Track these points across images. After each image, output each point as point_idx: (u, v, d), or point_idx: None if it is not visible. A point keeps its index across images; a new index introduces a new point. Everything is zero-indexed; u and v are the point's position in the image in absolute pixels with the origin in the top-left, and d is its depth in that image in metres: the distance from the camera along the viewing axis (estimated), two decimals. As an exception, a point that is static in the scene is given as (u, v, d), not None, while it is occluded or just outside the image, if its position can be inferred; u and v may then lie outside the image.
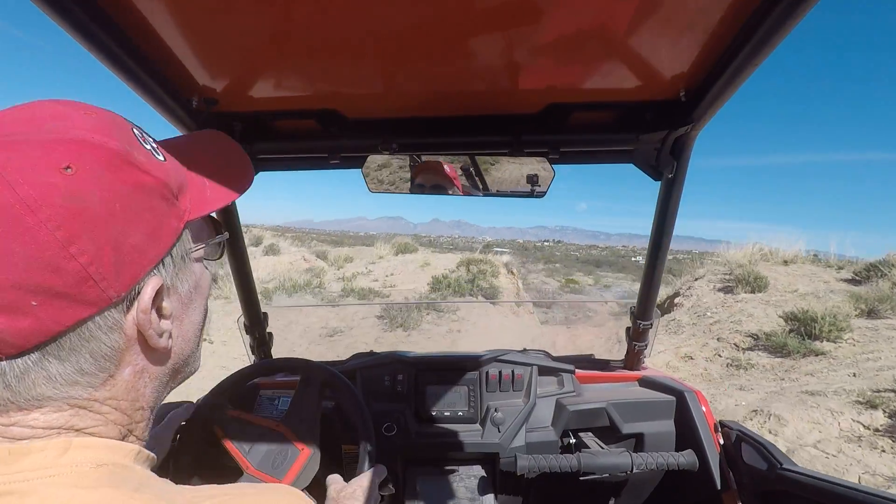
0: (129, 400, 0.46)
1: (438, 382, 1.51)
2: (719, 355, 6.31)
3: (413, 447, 1.42)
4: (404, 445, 1.41)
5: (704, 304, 8.23)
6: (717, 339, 6.72)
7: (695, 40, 0.83)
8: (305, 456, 1.12)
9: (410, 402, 1.49)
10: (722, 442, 1.38)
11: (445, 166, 1.20)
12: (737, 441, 1.31)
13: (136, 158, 0.44)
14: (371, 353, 1.65)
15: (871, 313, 6.33)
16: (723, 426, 1.39)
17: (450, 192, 1.22)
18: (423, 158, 1.20)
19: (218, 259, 0.59)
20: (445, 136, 1.12)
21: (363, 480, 1.04)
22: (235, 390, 1.31)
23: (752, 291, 8.25)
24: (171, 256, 0.47)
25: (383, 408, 1.48)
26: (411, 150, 1.17)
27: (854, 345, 5.65)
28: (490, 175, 1.21)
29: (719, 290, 8.89)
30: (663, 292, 10.20)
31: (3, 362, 0.39)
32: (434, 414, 1.48)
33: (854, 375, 4.86)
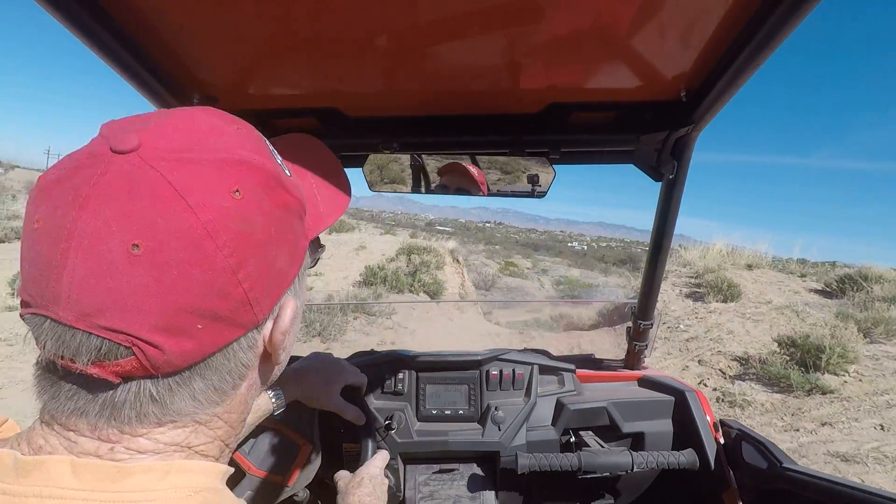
0: (237, 413, 0.47)
1: (439, 381, 1.51)
2: (704, 384, 5.30)
3: (413, 446, 1.42)
4: (404, 444, 1.41)
5: (674, 313, 7.29)
6: (699, 362, 5.72)
7: (696, 41, 0.83)
8: (306, 454, 1.14)
9: (411, 401, 1.49)
10: (722, 441, 1.37)
11: (470, 168, 1.18)
12: (737, 440, 1.31)
13: (284, 179, 0.45)
14: (371, 352, 1.62)
15: (864, 337, 5.54)
16: (723, 425, 1.39)
17: (450, 193, 1.21)
18: (425, 158, 1.20)
19: (311, 268, 0.58)
20: (446, 135, 1.12)
21: (369, 468, 1.06)
22: None
23: (725, 301, 7.41)
24: (298, 276, 0.48)
25: (383, 406, 1.47)
26: (412, 150, 1.16)
27: (861, 379, 4.79)
28: (491, 175, 1.20)
29: (687, 296, 8.01)
30: (623, 292, 9.08)
31: (161, 380, 0.40)
32: (434, 413, 1.47)
33: (882, 429, 3.88)
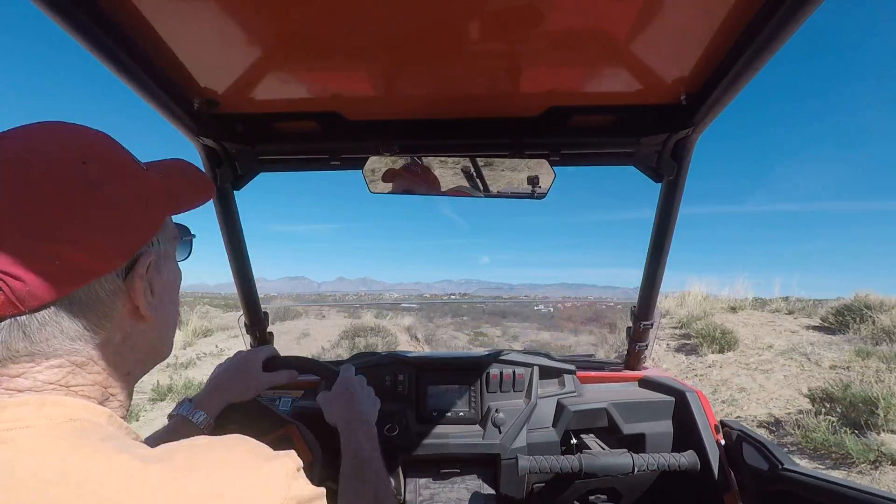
0: (114, 364, 0.52)
1: (439, 383, 1.50)
2: (735, 466, 3.97)
3: (414, 447, 1.41)
4: (405, 446, 1.40)
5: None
6: (719, 435, 4.42)
7: (696, 44, 0.83)
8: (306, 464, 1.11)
9: (411, 403, 1.48)
10: (723, 442, 1.37)
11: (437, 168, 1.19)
12: (738, 441, 1.30)
13: (135, 159, 0.55)
14: (372, 353, 1.62)
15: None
16: (724, 426, 1.38)
17: (451, 195, 1.22)
18: (424, 160, 1.19)
19: (186, 258, 0.68)
20: (446, 138, 1.12)
21: (341, 380, 1.09)
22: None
23: (721, 350, 6.42)
24: (158, 241, 0.55)
25: (384, 408, 1.40)
26: (412, 153, 1.16)
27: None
28: (491, 177, 1.20)
29: (678, 350, 6.96)
30: (602, 352, 7.92)
31: (25, 315, 0.44)
32: (435, 414, 1.47)
33: None
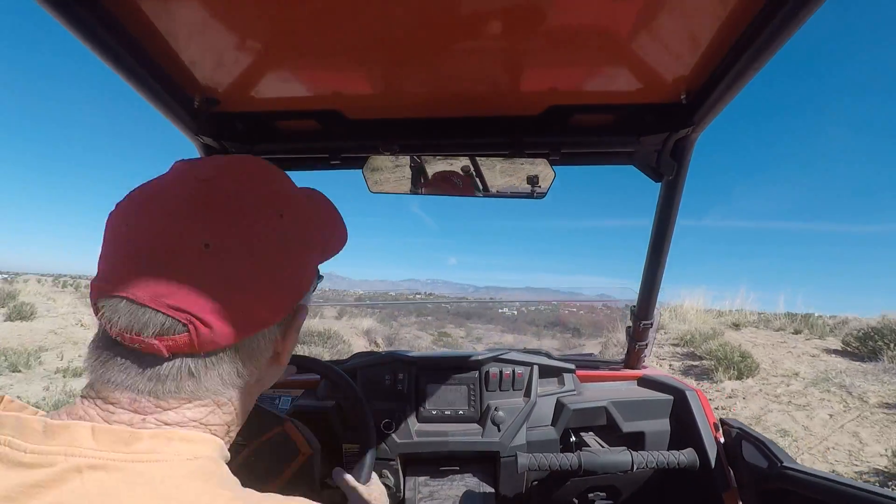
0: (244, 403, 0.54)
1: (439, 381, 1.50)
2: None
3: (413, 446, 1.41)
4: (404, 444, 1.40)
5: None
6: None
7: (696, 43, 0.82)
8: (304, 459, 1.11)
9: (411, 401, 1.48)
10: (723, 440, 1.36)
11: (450, 167, 1.19)
12: (737, 439, 1.29)
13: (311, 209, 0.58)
14: (371, 353, 1.62)
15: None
16: (723, 424, 1.37)
17: (451, 193, 1.21)
18: (425, 160, 1.19)
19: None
20: (447, 137, 1.11)
21: (371, 491, 1.07)
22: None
23: (740, 377, 5.39)
24: (310, 290, 0.57)
25: (383, 407, 1.46)
26: (413, 152, 1.15)
27: None
28: (491, 176, 1.20)
29: (685, 372, 5.90)
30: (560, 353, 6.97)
31: (200, 357, 0.46)
32: (434, 413, 1.47)
33: None
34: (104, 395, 0.45)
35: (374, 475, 1.11)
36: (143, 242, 0.44)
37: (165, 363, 0.45)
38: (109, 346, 0.46)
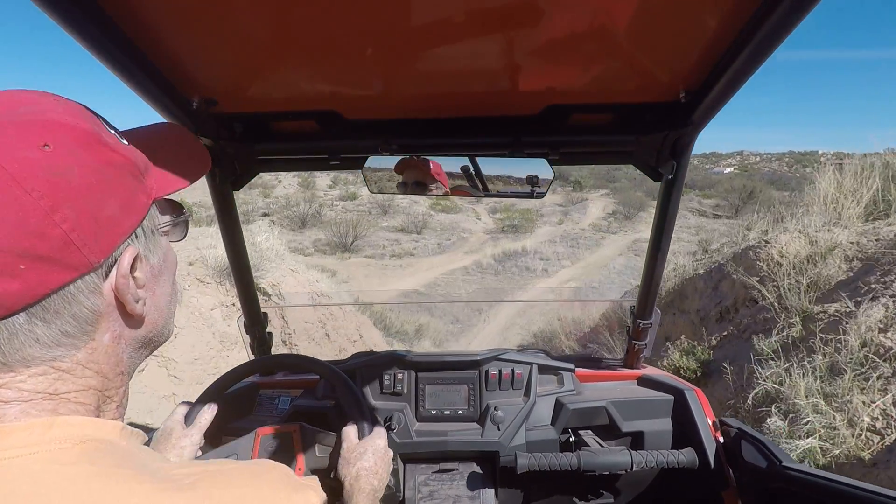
0: (109, 364, 0.49)
1: (438, 381, 1.50)
2: None
3: (413, 446, 1.41)
4: (404, 444, 1.40)
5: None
6: None
7: (695, 42, 0.82)
8: (299, 439, 1.15)
9: (410, 401, 1.48)
10: (722, 440, 1.37)
11: (431, 165, 1.17)
12: (736, 439, 1.30)
13: (106, 139, 0.48)
14: (371, 353, 1.62)
15: None
16: (723, 424, 1.38)
17: (437, 192, 1.21)
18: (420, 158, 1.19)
19: (181, 240, 0.62)
20: (445, 137, 1.11)
21: (374, 441, 1.05)
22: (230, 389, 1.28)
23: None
24: (143, 229, 0.51)
25: (383, 407, 1.47)
26: (411, 151, 1.15)
27: None
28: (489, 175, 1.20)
29: None
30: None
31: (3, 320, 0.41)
32: (434, 413, 1.47)
33: None
34: None
35: (374, 434, 1.08)
36: None
37: None
38: None
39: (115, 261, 0.47)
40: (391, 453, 1.06)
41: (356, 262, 19.14)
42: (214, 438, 1.23)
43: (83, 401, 0.46)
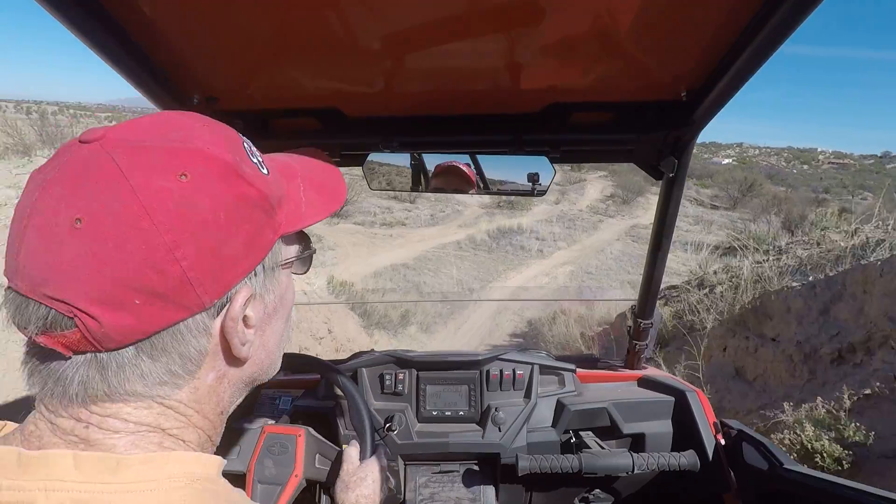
0: (211, 404, 0.49)
1: (439, 382, 1.50)
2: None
3: (413, 447, 1.41)
4: (405, 445, 1.40)
5: None
6: None
7: (697, 41, 0.82)
8: (304, 440, 1.16)
9: (411, 402, 1.48)
10: (723, 441, 1.36)
11: (462, 167, 1.17)
12: (738, 440, 1.30)
13: (244, 171, 0.46)
14: (371, 352, 1.62)
15: None
16: (724, 426, 1.38)
17: (452, 191, 1.20)
18: (424, 157, 1.18)
19: (305, 273, 0.59)
20: (446, 134, 1.11)
21: (373, 465, 1.05)
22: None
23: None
24: (263, 266, 0.49)
25: (384, 407, 1.47)
26: (412, 149, 1.15)
27: None
28: (491, 173, 1.20)
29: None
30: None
31: (103, 354, 0.41)
32: (434, 413, 1.47)
33: None
34: (45, 402, 0.43)
35: (374, 460, 1.09)
36: (19, 221, 0.40)
37: (69, 362, 0.41)
38: (28, 346, 0.43)
39: (228, 300, 0.46)
40: (385, 484, 1.07)
41: (344, 229, 18.36)
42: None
43: (185, 437, 0.46)
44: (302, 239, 0.57)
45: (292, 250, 0.55)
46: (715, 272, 5.30)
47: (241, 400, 0.54)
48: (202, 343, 0.45)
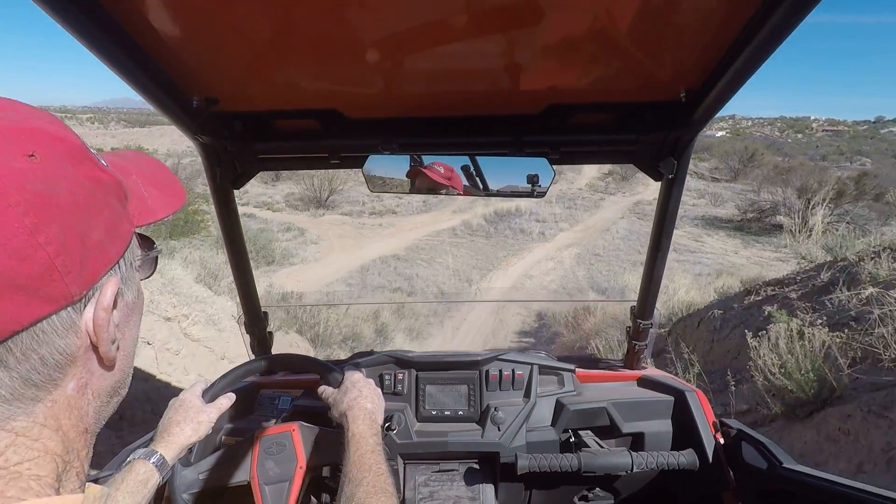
0: (71, 420, 0.41)
1: (438, 381, 1.50)
2: None
3: (413, 446, 1.41)
4: (404, 444, 1.40)
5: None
6: None
7: (695, 42, 0.82)
8: (299, 433, 1.19)
9: (410, 402, 1.48)
10: (722, 441, 1.36)
11: (442, 168, 1.17)
12: (737, 439, 1.30)
13: (92, 154, 0.44)
14: (371, 353, 1.62)
15: None
16: (723, 425, 1.37)
17: (447, 193, 1.20)
18: (424, 158, 1.18)
19: (149, 276, 0.55)
20: (446, 136, 1.12)
21: (351, 376, 1.09)
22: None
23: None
24: (124, 260, 0.45)
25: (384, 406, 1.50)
26: (412, 150, 1.15)
27: None
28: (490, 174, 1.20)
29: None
30: None
31: None
32: (434, 413, 1.47)
33: None
34: None
35: (348, 368, 1.15)
36: None
37: None
38: None
39: (96, 292, 0.41)
40: (371, 382, 1.09)
41: (330, 220, 17.10)
42: (211, 439, 1.25)
43: (39, 472, 0.38)
44: (146, 241, 0.53)
45: (139, 251, 0.50)
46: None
47: (105, 418, 0.47)
48: (68, 343, 0.39)
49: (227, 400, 1.08)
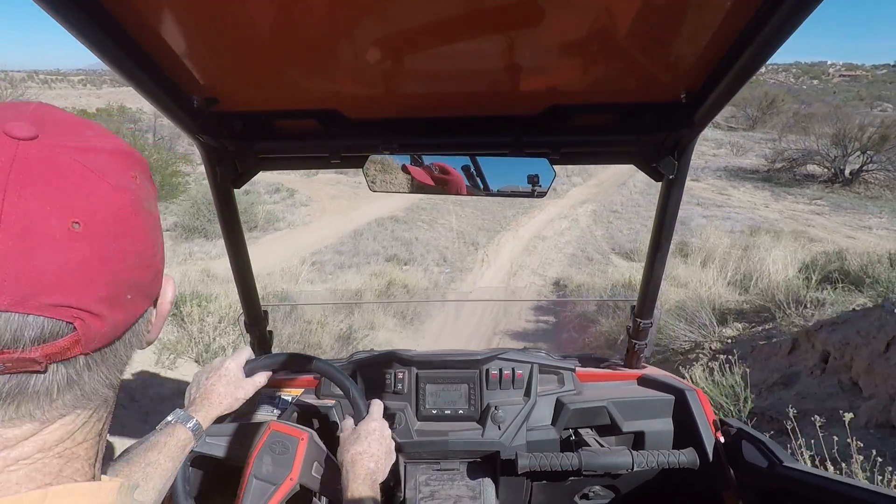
0: (110, 407, 0.45)
1: (439, 380, 1.50)
2: None
3: (413, 445, 1.42)
4: (404, 443, 1.41)
5: None
6: None
7: (696, 42, 0.82)
8: (305, 443, 1.16)
9: (411, 401, 1.48)
10: (722, 439, 1.37)
11: (442, 168, 1.17)
12: (737, 439, 1.30)
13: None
14: (371, 352, 1.63)
15: None
16: (723, 424, 1.38)
17: (452, 193, 1.20)
18: (424, 159, 1.18)
19: None
20: (447, 136, 1.12)
21: (368, 424, 1.07)
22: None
23: None
24: None
25: (384, 406, 1.46)
26: (412, 150, 1.15)
27: None
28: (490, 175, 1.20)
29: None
30: None
31: (81, 359, 0.38)
32: (434, 412, 1.47)
33: None
34: None
35: (374, 407, 1.13)
36: None
37: (43, 375, 0.36)
38: None
39: (162, 289, 0.47)
40: (387, 435, 1.08)
41: (323, 180, 15.79)
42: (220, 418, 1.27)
43: (89, 453, 0.42)
44: None
45: None
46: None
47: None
48: (143, 331, 0.44)
49: (263, 377, 1.11)
